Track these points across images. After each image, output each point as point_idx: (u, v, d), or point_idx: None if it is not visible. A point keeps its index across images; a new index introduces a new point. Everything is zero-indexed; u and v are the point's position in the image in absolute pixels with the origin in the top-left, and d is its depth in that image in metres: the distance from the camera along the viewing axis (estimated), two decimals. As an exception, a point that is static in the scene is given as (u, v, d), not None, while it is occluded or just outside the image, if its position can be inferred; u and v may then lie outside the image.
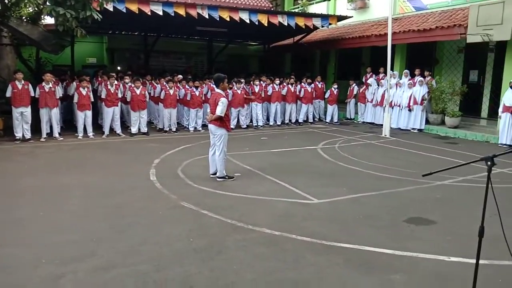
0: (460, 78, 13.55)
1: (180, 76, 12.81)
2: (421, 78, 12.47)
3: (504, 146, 9.76)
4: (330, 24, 14.73)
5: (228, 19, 12.53)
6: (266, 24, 13.19)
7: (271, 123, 13.81)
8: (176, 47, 20.22)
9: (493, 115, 12.12)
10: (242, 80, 13.02)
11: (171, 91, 11.69)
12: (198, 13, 12.03)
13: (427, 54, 14.40)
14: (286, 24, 13.59)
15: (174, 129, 12.02)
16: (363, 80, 14.89)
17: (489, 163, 2.54)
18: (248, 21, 12.88)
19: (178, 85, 12.22)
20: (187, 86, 12.29)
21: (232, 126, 12.02)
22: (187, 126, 12.50)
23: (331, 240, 4.41)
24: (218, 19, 12.49)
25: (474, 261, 3.89)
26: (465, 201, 5.84)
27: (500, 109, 10.05)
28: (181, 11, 11.80)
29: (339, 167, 7.84)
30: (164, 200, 5.74)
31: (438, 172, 3.06)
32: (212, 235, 4.49)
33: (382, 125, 12.20)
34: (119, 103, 11.40)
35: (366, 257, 4.05)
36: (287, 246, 4.27)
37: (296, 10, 19.08)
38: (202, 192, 6.12)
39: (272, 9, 18.17)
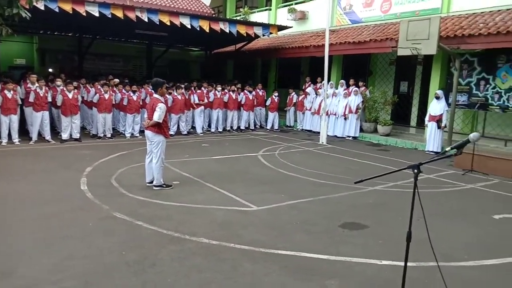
0: (392, 88, 14.37)
1: (117, 80, 12.33)
2: (356, 88, 13.04)
3: (431, 153, 10.45)
4: (271, 33, 14.98)
5: (168, 23, 12.29)
6: (207, 31, 13.11)
7: (213, 130, 13.71)
8: (113, 50, 19.47)
9: (421, 124, 12.95)
10: (183, 86, 12.81)
11: (106, 96, 11.20)
12: (137, 16, 11.67)
13: (362, 65, 15.12)
14: (227, 31, 13.62)
15: (109, 135, 11.50)
16: (302, 89, 15.29)
17: (415, 170, 2.66)
18: (189, 27, 12.72)
19: (114, 89, 11.74)
20: (123, 91, 11.85)
21: (172, 133, 11.81)
22: (123, 132, 12.04)
23: (268, 247, 4.41)
24: (158, 23, 12.20)
25: (403, 263, 4.10)
26: (396, 206, 6.14)
27: (427, 119, 10.76)
28: (119, 13, 11.37)
29: (278, 174, 7.93)
30: (96, 210, 5.43)
31: (369, 179, 3.16)
32: (146, 247, 4.30)
33: (319, 132, 12.57)
34: (49, 107, 10.72)
35: (303, 263, 4.09)
36: (224, 255, 4.20)
37: (238, 18, 19.19)
38: (137, 202, 5.87)
39: (214, 15, 18.11)
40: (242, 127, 14.35)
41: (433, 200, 6.38)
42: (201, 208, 5.69)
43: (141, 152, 8.83)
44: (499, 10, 10.49)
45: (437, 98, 10.48)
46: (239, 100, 14.13)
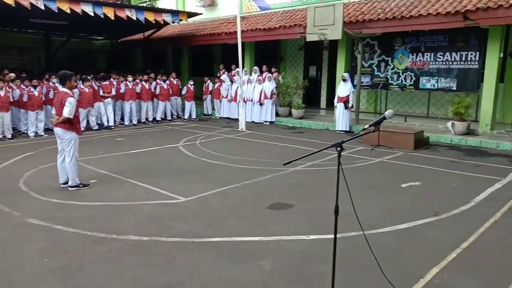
0: (302, 73, 15.02)
1: (12, 75, 11.16)
2: (269, 74, 13.37)
3: (341, 132, 11.18)
4: (180, 20, 14.65)
5: (68, 11, 11.37)
6: (112, 18, 12.41)
7: (126, 123, 13.12)
8: (5, 41, 17.51)
9: (330, 105, 13.75)
10: (89, 78, 12.02)
11: (2, 92, 10.10)
12: (31, 4, 10.61)
13: (273, 51, 15.52)
14: (135, 18, 13.03)
15: (9, 136, 10.43)
16: (217, 76, 15.27)
17: (338, 148, 2.85)
18: (92, 14, 11.92)
19: (11, 84, 10.62)
20: (22, 86, 10.78)
21: (81, 128, 11.05)
22: (26, 132, 10.99)
23: (201, 236, 4.41)
24: (56, 10, 11.23)
25: (329, 236, 4.37)
26: (316, 184, 6.50)
27: (335, 100, 11.46)
28: (9, 0, 10.24)
29: (202, 163, 7.90)
30: (6, 219, 4.93)
31: (296, 160, 3.30)
32: (70, 251, 4.04)
33: (238, 119, 12.72)
34: None
35: (236, 248, 4.17)
36: (157, 249, 4.11)
37: (144, 5, 18.42)
38: (52, 205, 5.45)
39: (119, 2, 17.14)
40: (158, 118, 13.95)
41: (348, 175, 6.84)
42: (125, 205, 5.47)
43: (50, 152, 8.19)
44: (393, -3, 11.44)
45: (344, 80, 11.20)
46: (152, 90, 13.68)
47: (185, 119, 14.50)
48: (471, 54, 10.26)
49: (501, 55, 9.75)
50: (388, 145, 9.03)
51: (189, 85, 14.50)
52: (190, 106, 14.50)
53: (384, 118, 2.80)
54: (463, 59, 10.43)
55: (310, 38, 11.12)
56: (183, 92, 14.53)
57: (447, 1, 9.80)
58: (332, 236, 4.32)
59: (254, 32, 13.50)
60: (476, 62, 10.20)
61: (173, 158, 8.36)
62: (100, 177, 6.83)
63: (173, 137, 10.87)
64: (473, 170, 7.21)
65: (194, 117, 14.57)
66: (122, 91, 12.89)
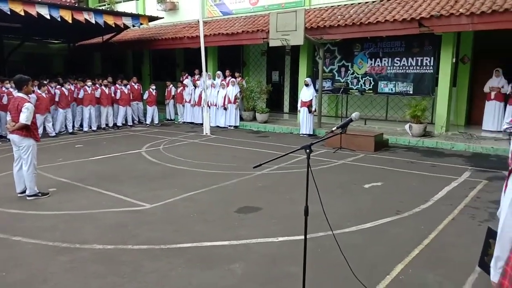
0: (265, 78, 15.16)
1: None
2: (233, 79, 13.39)
3: (305, 135, 11.36)
4: (141, 24, 14.41)
5: (22, 13, 10.90)
6: (70, 21, 12.01)
7: (86, 129, 12.71)
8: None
9: (293, 110, 13.97)
10: (45, 82, 11.55)
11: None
12: (-20, 4, 10.09)
13: (236, 56, 15.58)
14: (93, 22, 12.69)
15: (-42, 144, 9.83)
16: (180, 81, 15.11)
17: (308, 150, 2.90)
18: (48, 17, 11.48)
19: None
20: (-28, 91, 10.21)
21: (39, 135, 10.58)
22: (-23, 139, 10.41)
23: (169, 243, 4.34)
24: (9, 12, 10.73)
25: (297, 237, 4.44)
26: (282, 187, 6.56)
27: (299, 105, 11.64)
28: (-44, 0, 9.69)
29: (167, 169, 7.77)
30: (-43, 232, 4.64)
31: (266, 163, 3.33)
32: (31, 263, 3.85)
33: (202, 124, 12.64)
34: None
35: (206, 253, 4.13)
36: (123, 258, 4.00)
37: (103, 8, 17.96)
38: (9, 216, 5.18)
39: (77, 5, 16.62)
40: (119, 124, 13.60)
41: (316, 176, 6.98)
42: (88, 214, 5.29)
43: (4, 160, 7.80)
44: (352, 4, 11.81)
45: (306, 85, 11.41)
46: (112, 95, 13.33)
47: (147, 124, 14.22)
48: (426, 59, 10.76)
49: (453, 60, 10.28)
50: (350, 148, 9.28)
51: (151, 90, 14.25)
52: (152, 111, 14.25)
53: (351, 120, 2.88)
54: (419, 64, 10.91)
55: (272, 43, 11.26)
56: (145, 97, 14.26)
57: (403, 9, 10.24)
58: (300, 237, 4.41)
59: (216, 36, 13.50)
60: (431, 67, 10.70)
61: (136, 164, 8.17)
62: (60, 185, 6.57)
63: (135, 142, 10.63)
64: (430, 170, 7.54)
65: (157, 122, 14.33)
66: (80, 96, 12.48)
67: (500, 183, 6.49)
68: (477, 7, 8.79)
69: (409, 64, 11.14)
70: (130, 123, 13.94)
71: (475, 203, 5.61)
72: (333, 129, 2.92)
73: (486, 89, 10.64)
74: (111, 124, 13.36)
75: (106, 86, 13.11)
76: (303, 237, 4.41)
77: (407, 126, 10.62)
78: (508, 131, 5.02)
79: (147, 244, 4.31)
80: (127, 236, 4.53)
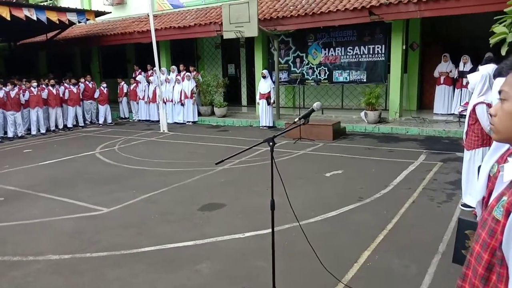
0: (221, 71, 14.97)
1: None
2: (188, 73, 13.09)
3: (265, 128, 11.32)
4: (88, 19, 13.72)
5: (-48, 10, 10.04)
6: (8, 18, 11.22)
7: (34, 132, 11.99)
8: None
9: (251, 102, 13.91)
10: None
11: None
12: None
13: (189, 50, 15.25)
14: (35, 18, 11.92)
15: None
16: (132, 77, 14.60)
17: (271, 143, 2.83)
18: (-17, 14, 10.65)
19: None
20: None
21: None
22: None
23: (130, 248, 4.14)
24: None
25: (264, 231, 4.38)
26: (245, 181, 6.48)
27: (257, 97, 11.58)
28: None
29: (123, 170, 7.46)
30: None
31: (229, 158, 3.22)
32: (-22, 282, 3.54)
33: (158, 121, 12.29)
34: None
35: (170, 255, 3.98)
36: (82, 267, 3.77)
37: (45, 4, 16.97)
38: (-49, 231, 4.76)
39: (15, 1, 15.58)
40: (70, 125, 12.94)
41: (279, 168, 6.95)
42: (41, 223, 4.96)
43: None
44: (303, -5, 11.82)
45: (264, 77, 11.35)
46: (61, 95, 12.64)
47: (99, 124, 13.64)
48: (378, 47, 11.01)
49: (404, 47, 10.59)
50: (309, 138, 9.34)
51: (102, 88, 13.67)
52: (104, 110, 13.67)
53: (313, 110, 2.84)
54: (371, 52, 11.15)
55: (227, 35, 11.09)
56: (96, 95, 13.65)
57: (353, -2, 10.40)
58: (267, 231, 4.36)
59: (168, 30, 13.12)
60: (383, 55, 10.97)
61: (91, 167, 7.80)
62: (8, 194, 6.13)
63: (88, 144, 10.15)
64: (388, 155, 7.73)
65: (110, 122, 13.78)
66: (26, 98, 11.73)
67: (454, 164, 6.79)
68: (424, -6, 9.09)
69: (361, 53, 11.36)
70: (81, 123, 13.31)
71: (432, 185, 5.80)
72: (295, 120, 2.86)
73: (435, 74, 11.06)
74: (61, 126, 12.69)
75: (53, 86, 12.41)
76: (269, 230, 4.35)
77: (362, 114, 10.85)
78: (463, 113, 5.20)
79: (107, 251, 4.09)
80: (85, 244, 4.29)
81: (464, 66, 10.15)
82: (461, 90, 10.30)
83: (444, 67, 10.91)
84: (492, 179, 2.04)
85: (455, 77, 10.60)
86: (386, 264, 3.63)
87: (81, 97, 13.32)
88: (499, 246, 1.14)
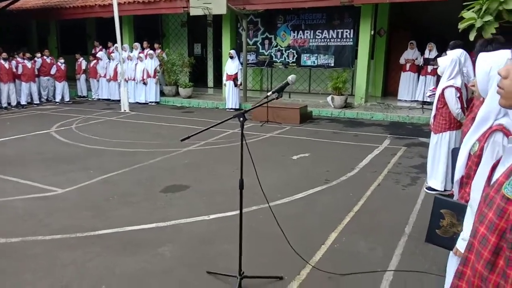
0: (186, 51, 14.50)
1: None
2: (151, 51, 12.57)
3: (231, 110, 11.09)
4: (44, -11, 12.85)
5: None
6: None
7: (-17, 108, 11.19)
8: None
9: (217, 84, 13.60)
10: None
11: None
12: None
13: (154, 26, 14.66)
14: (-16, -16, 10.98)
15: None
16: (92, 53, 13.88)
17: (241, 119, 2.66)
18: None
19: None
20: None
21: None
22: None
23: (86, 230, 3.88)
24: None
25: (229, 213, 4.24)
26: (210, 162, 6.28)
27: (224, 78, 11.29)
28: None
29: (81, 149, 7.06)
30: None
31: (196, 134, 3.03)
32: None
33: (119, 100, 11.78)
34: None
35: (129, 238, 3.76)
36: (34, 251, 3.49)
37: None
38: None
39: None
40: (23, 102, 12.16)
41: (245, 150, 6.79)
42: (-13, 203, 4.57)
43: None
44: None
45: (231, 57, 11.07)
46: (14, 69, 11.82)
47: (57, 102, 12.91)
48: (346, 32, 10.98)
49: (372, 33, 10.61)
50: (276, 121, 9.23)
51: (59, 64, 12.90)
52: (62, 87, 12.94)
53: (287, 83, 2.68)
54: (339, 36, 11.11)
55: (194, 12, 10.68)
56: (52, 71, 12.87)
57: (324, -20, 10.25)
58: (232, 213, 4.23)
59: (132, 5, 12.51)
60: (351, 40, 10.95)
61: (45, 146, 7.33)
62: (-50, 173, 5.64)
63: (43, 122, 9.56)
64: (353, 140, 7.75)
65: (68, 100, 13.07)
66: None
67: (417, 149, 6.87)
68: (394, -21, 9.08)
69: (330, 37, 11.30)
70: (36, 101, 12.54)
71: (397, 169, 5.84)
72: (268, 93, 2.69)
73: (401, 60, 11.18)
74: (14, 103, 11.89)
75: (5, 60, 11.56)
76: (234, 212, 4.24)
77: (329, 98, 10.84)
78: (432, 97, 5.24)
79: (61, 233, 3.81)
80: (37, 226, 3.98)
81: (429, 54, 10.30)
82: (426, 77, 10.47)
83: (410, 54, 11.04)
84: (472, 158, 1.97)
85: (420, 65, 10.76)
86: (353, 246, 3.58)
87: (37, 73, 12.54)
88: (511, 227, 1.02)
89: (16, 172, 5.69)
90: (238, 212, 4.13)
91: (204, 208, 4.43)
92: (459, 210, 1.97)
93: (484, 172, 1.77)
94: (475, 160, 1.88)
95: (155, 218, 4.16)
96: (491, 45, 2.45)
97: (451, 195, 2.16)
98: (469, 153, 1.95)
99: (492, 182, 1.14)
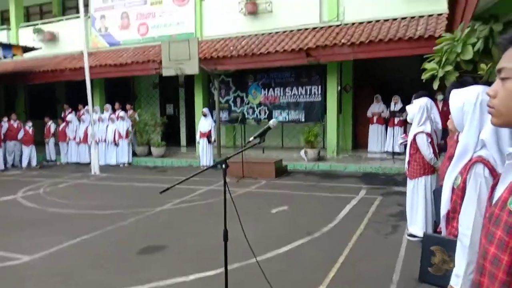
0: (158, 111, 14.57)
1: None
2: (123, 112, 12.52)
3: (205, 167, 11.00)
4: (14, 55, 12.85)
5: None
6: None
7: None
8: None
9: (190, 142, 13.59)
10: None
11: None
12: None
13: (126, 88, 14.77)
14: (-49, 51, 10.90)
15: None
16: (61, 117, 13.69)
17: (223, 166, 2.61)
18: None
19: None
20: None
21: None
22: None
23: (56, 299, 3.57)
24: None
25: (210, 272, 4.04)
26: (186, 221, 6.08)
27: (197, 136, 11.30)
28: None
29: (49, 214, 6.69)
30: None
31: (176, 185, 2.93)
32: None
33: (89, 163, 11.49)
34: None
35: (104, 305, 3.47)
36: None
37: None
38: None
39: None
40: (-12, 169, 11.68)
41: (220, 207, 6.62)
42: None
43: None
44: (242, 36, 12.04)
45: (205, 115, 11.16)
46: (-21, 135, 11.47)
47: (22, 167, 12.43)
48: (315, 88, 11.41)
49: (338, 88, 11.07)
50: (252, 176, 9.18)
51: (27, 128, 12.61)
52: (29, 151, 12.55)
53: (269, 128, 2.68)
54: (308, 93, 11.51)
55: (166, 72, 10.88)
56: (20, 136, 12.53)
57: (291, 40, 10.77)
58: (214, 272, 4.02)
59: (104, 68, 12.64)
60: (319, 95, 11.36)
61: (11, 211, 6.93)
62: None
63: (8, 188, 9.10)
64: (330, 191, 7.75)
65: (35, 164, 12.63)
66: None
67: (393, 198, 6.93)
68: (356, 38, 9.64)
69: (299, 93, 11.69)
70: (1, 167, 12.03)
71: (376, 218, 5.82)
72: (250, 139, 2.67)
73: (369, 114, 11.61)
74: (-24, 169, 11.40)
75: (-31, 125, 11.23)
76: (216, 271, 4.05)
77: (302, 152, 10.97)
78: (404, 144, 5.39)
79: (26, 305, 3.48)
80: (-1, 299, 3.63)
81: (395, 106, 10.77)
82: (394, 128, 10.84)
83: (376, 107, 11.51)
84: (456, 192, 1.98)
85: (386, 117, 11.19)
86: (343, 299, 3.44)
87: (2, 138, 12.17)
88: None
89: (-23, 240, 5.29)
90: (219, 270, 3.98)
91: (183, 268, 4.19)
92: (449, 246, 1.94)
93: (469, 204, 1.77)
94: (459, 193, 1.89)
95: (131, 281, 3.89)
96: (462, 85, 2.58)
97: (439, 232, 2.13)
98: (453, 187, 1.97)
99: (494, 201, 1.13)
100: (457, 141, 2.78)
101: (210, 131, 11.03)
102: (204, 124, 11.09)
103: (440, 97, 9.51)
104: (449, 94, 2.14)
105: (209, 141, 11.01)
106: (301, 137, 11.06)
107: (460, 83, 2.51)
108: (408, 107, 4.83)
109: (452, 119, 2.07)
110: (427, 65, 5.62)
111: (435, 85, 5.37)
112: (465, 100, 1.90)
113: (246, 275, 3.90)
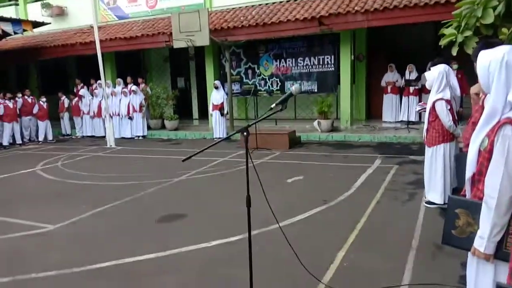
0: (170, 85, 14.55)
1: None
2: (135, 86, 12.54)
3: (219, 139, 11.04)
4: (24, 30, 12.83)
5: None
6: None
7: (-38, 151, 10.85)
8: None
9: (203, 115, 13.61)
10: None
11: None
12: None
13: (136, 62, 14.73)
14: (-37, 27, 10.92)
15: None
16: (74, 92, 13.78)
17: (245, 133, 2.62)
18: None
19: None
20: None
21: None
22: None
23: (83, 264, 3.69)
24: None
25: (232, 238, 4.13)
26: (204, 190, 6.17)
27: (210, 108, 11.31)
28: None
29: (70, 185, 6.85)
30: None
31: (197, 153, 2.95)
32: None
33: (104, 137, 11.62)
34: None
35: (129, 269, 3.60)
36: (27, 290, 3.28)
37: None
38: None
39: None
40: (5, 143, 11.87)
41: (237, 177, 6.71)
42: (-26, 245, 4.34)
43: None
44: (253, 6, 11.86)
45: (216, 88, 11.14)
46: (-5, 111, 11.61)
47: (40, 141, 12.64)
48: (327, 58, 11.24)
49: (352, 57, 10.89)
50: (266, 147, 9.21)
51: (41, 103, 12.73)
52: (44, 126, 12.72)
53: (291, 94, 2.67)
54: (321, 63, 11.36)
55: (177, 44, 10.79)
56: (35, 111, 12.68)
57: (303, 8, 10.55)
58: (235, 238, 4.11)
59: (114, 41, 12.57)
60: (332, 65, 11.20)
61: (31, 184, 7.11)
62: None
63: (27, 161, 9.30)
64: (345, 161, 7.77)
65: (51, 139, 12.82)
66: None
67: (409, 167, 6.91)
68: (370, 5, 9.39)
69: (311, 63, 11.54)
70: (19, 141, 12.25)
71: (393, 186, 5.84)
72: (272, 106, 2.67)
73: (382, 83, 11.45)
74: (-5, 144, 11.62)
75: (-15, 101, 11.36)
76: (237, 237, 4.15)
77: (315, 123, 10.93)
78: (423, 112, 5.34)
79: (56, 270, 3.62)
80: (30, 264, 3.77)
81: (410, 75, 10.59)
82: (408, 98, 10.70)
83: (390, 76, 11.33)
84: (482, 154, 1.97)
85: (401, 86, 11.03)
86: (363, 263, 3.50)
87: (18, 113, 12.33)
88: None
89: (3, 211, 5.45)
90: (240, 236, 4.07)
91: (205, 235, 4.29)
92: (474, 209, 1.94)
93: (497, 166, 1.76)
94: (486, 155, 1.87)
95: (155, 248, 4.00)
96: (490, 45, 2.52)
97: (463, 195, 2.13)
98: (479, 150, 1.95)
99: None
100: (482, 107, 2.75)
101: (222, 103, 11.02)
102: (216, 96, 11.07)
103: (455, 66, 9.30)
104: (476, 55, 2.10)
105: (222, 114, 11.02)
106: (314, 108, 10.99)
107: (488, 44, 2.45)
108: (426, 74, 4.75)
109: (479, 81, 2.04)
110: (446, 31, 5.47)
111: (454, 51, 5.24)
112: (491, 59, 1.86)
113: (267, 241, 3.98)
